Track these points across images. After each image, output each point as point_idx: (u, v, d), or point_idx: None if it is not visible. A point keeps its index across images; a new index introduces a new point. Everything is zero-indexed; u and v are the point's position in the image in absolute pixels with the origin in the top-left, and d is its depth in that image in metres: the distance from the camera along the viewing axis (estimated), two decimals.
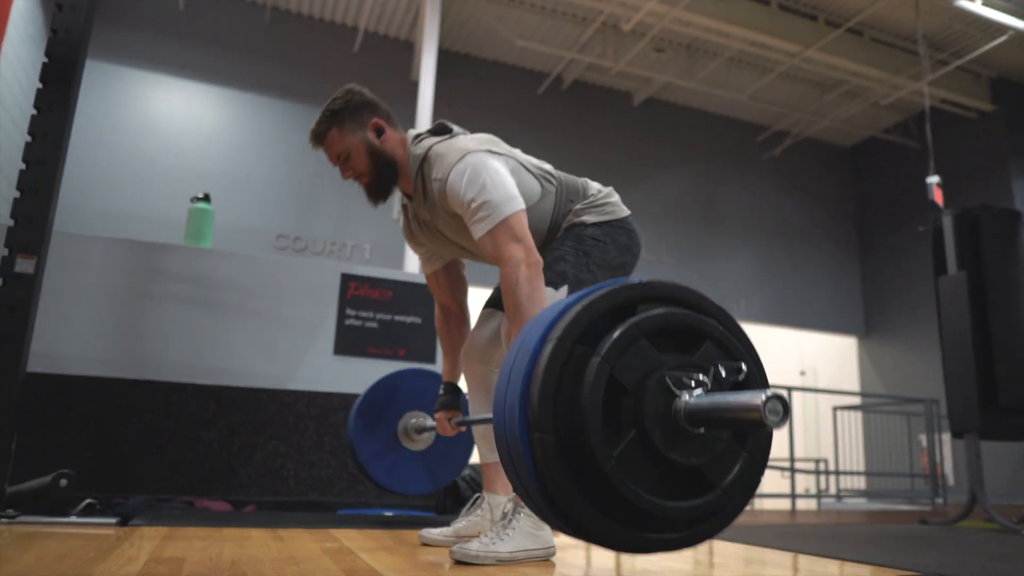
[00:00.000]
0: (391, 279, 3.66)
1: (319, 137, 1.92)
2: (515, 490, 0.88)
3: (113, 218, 7.17)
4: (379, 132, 1.90)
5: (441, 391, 2.12)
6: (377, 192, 1.92)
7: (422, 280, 3.75)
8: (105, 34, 7.65)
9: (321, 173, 8.27)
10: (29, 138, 2.31)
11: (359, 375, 3.41)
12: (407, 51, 8.95)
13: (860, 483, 8.99)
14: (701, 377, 0.85)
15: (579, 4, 8.12)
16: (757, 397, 0.73)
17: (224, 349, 3.31)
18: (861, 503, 7.89)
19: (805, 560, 1.95)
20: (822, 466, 8.19)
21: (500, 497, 1.96)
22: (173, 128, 7.85)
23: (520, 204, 1.73)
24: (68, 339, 3.03)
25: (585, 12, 8.40)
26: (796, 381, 10.71)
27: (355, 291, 3.58)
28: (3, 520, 2.08)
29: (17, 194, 2.27)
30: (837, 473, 7.59)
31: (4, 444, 2.12)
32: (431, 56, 7.17)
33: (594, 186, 2.01)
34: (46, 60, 2.38)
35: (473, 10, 8.50)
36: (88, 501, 2.50)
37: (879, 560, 1.93)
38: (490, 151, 1.81)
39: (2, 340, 2.16)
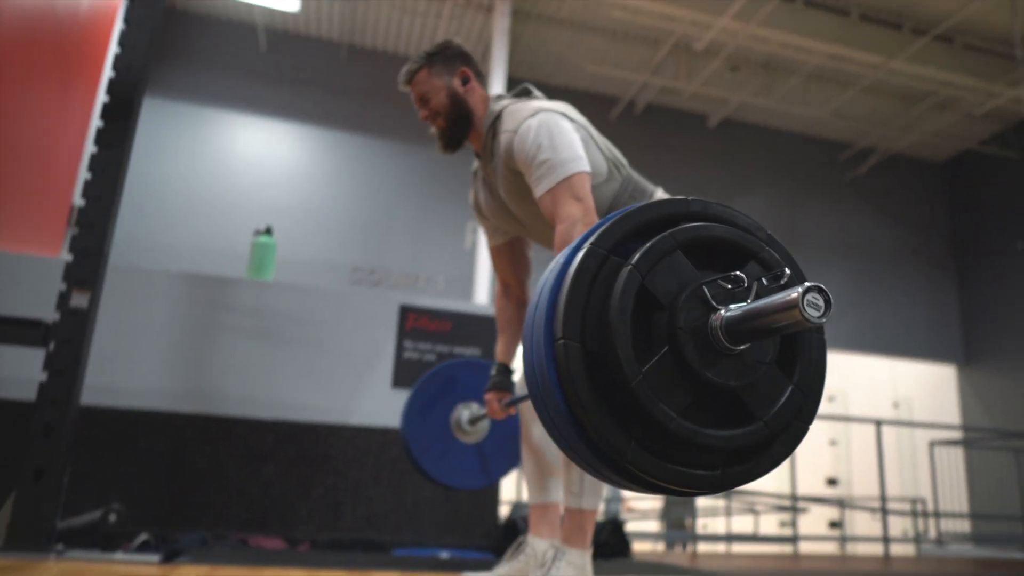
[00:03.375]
0: (450, 311, 3.59)
1: (410, 75, 1.91)
2: (539, 415, 0.81)
3: (194, 251, 7.43)
4: (465, 81, 1.90)
5: (493, 371, 2.07)
6: (449, 136, 1.89)
7: (481, 311, 3.67)
8: (187, 76, 8.03)
9: (396, 206, 8.39)
10: (89, 175, 2.36)
11: None
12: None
13: (964, 526, 8.31)
14: (744, 285, 0.77)
15: (650, 26, 8.00)
16: (794, 291, 0.66)
17: (284, 382, 3.30)
18: (967, 549, 7.26)
19: None
20: (919, 507, 7.62)
21: (543, 542, 1.84)
22: (252, 163, 8.12)
23: (585, 166, 1.68)
24: (130, 373, 3.08)
25: (657, 34, 8.27)
26: (889, 413, 10.07)
27: (414, 323, 3.53)
28: (52, 555, 2.08)
29: (75, 230, 2.32)
30: (937, 515, 7.02)
31: (56, 478, 2.13)
32: (500, 83, 7.19)
33: (663, 195, 1.90)
34: (107, 100, 2.44)
35: (544, 37, 8.50)
36: (143, 537, 2.50)
37: None
38: (564, 114, 1.78)
39: (57, 373, 2.19)
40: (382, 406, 3.37)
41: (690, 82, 8.67)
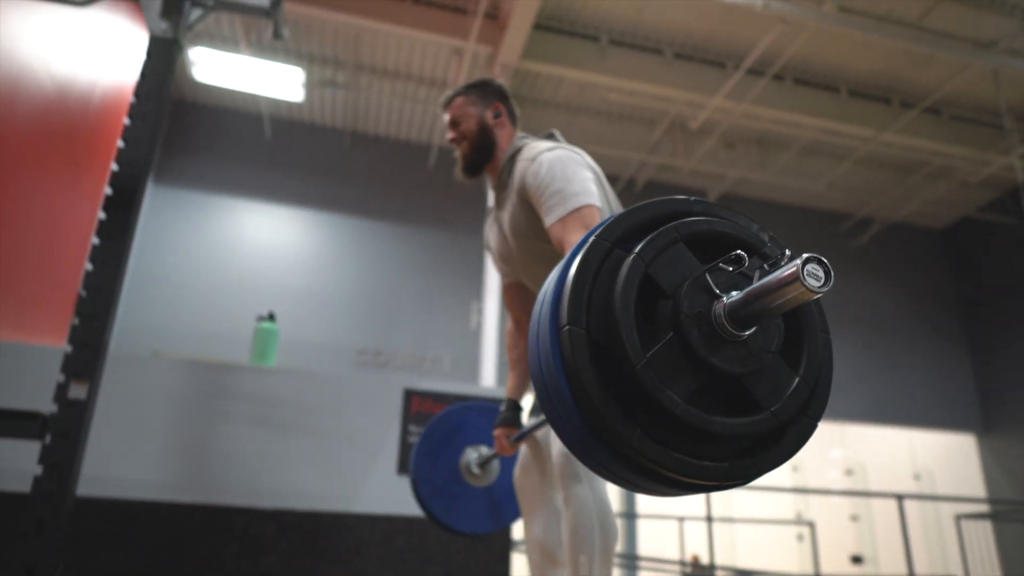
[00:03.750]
0: (455, 393, 3.54)
1: (448, 100, 2.06)
2: (544, 408, 0.81)
3: (201, 335, 7.42)
4: (496, 115, 2.02)
5: (502, 407, 2.06)
6: (470, 160, 2.00)
7: (487, 393, 3.62)
8: (194, 164, 8.23)
9: (401, 288, 8.43)
10: (90, 266, 2.37)
11: None
12: None
13: None
14: (745, 265, 0.78)
15: (645, 107, 8.21)
16: (793, 264, 0.66)
17: (287, 470, 3.23)
18: None
19: None
20: None
21: None
22: (257, 248, 8.21)
23: (596, 200, 1.72)
24: (127, 462, 3.01)
25: (652, 114, 8.47)
26: (910, 486, 9.79)
27: (419, 407, 3.48)
28: None
29: (76, 320, 2.31)
30: None
31: (48, 575, 2.05)
32: None
33: None
34: (109, 192, 2.47)
35: (541, 120, 8.71)
36: None
37: None
38: (581, 155, 1.85)
39: (52, 467, 2.13)
40: (387, 493, 3.28)
41: (687, 159, 8.83)
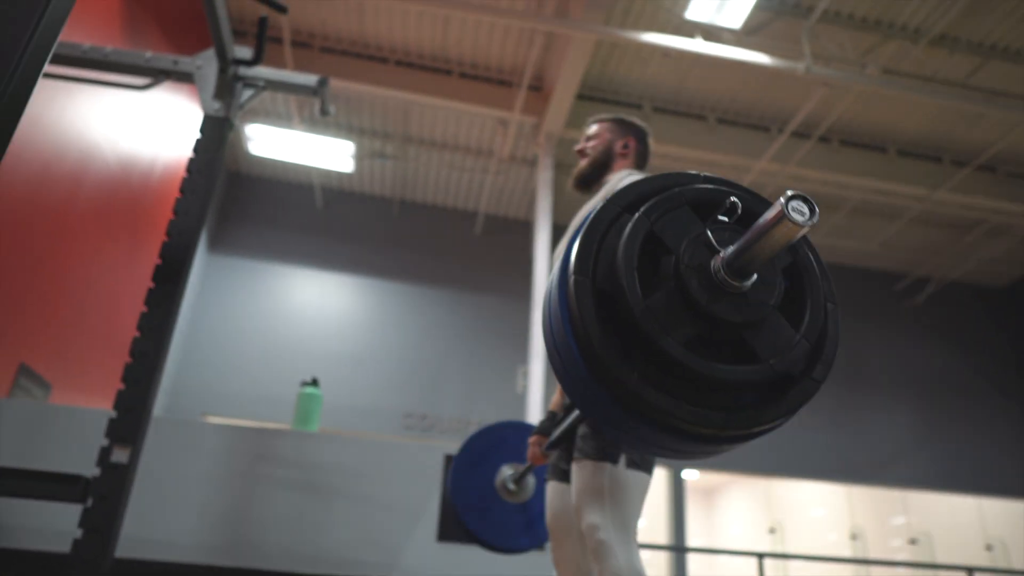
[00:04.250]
0: None
1: (595, 120, 2.29)
2: (551, 361, 0.85)
3: (250, 398, 7.56)
4: (624, 146, 2.20)
5: (543, 417, 2.08)
6: (583, 172, 2.20)
7: None
8: (248, 233, 8.54)
9: (447, 352, 8.49)
10: (137, 333, 2.46)
11: (463, 564, 3.20)
12: (525, 229, 9.31)
13: None
14: (739, 212, 0.81)
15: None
16: (777, 204, 0.68)
17: (326, 535, 3.22)
18: None
19: None
20: None
21: None
22: (308, 314, 8.40)
23: None
24: (168, 525, 3.05)
25: None
26: (982, 558, 9.19)
27: None
28: None
29: (121, 386, 2.38)
30: None
31: None
32: (545, 232, 7.40)
33: None
34: (159, 262, 2.58)
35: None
36: None
37: None
38: None
39: (92, 530, 2.18)
40: (427, 561, 3.23)
41: None
